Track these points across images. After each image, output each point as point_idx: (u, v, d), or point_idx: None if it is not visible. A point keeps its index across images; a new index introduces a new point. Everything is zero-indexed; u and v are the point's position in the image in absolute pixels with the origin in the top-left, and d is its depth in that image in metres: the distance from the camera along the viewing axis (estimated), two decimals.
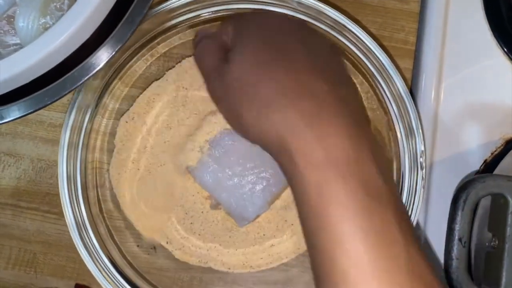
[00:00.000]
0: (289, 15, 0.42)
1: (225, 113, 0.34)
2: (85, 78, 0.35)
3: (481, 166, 0.46)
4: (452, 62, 0.47)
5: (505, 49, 0.46)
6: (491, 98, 0.46)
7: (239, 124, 0.32)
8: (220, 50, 0.35)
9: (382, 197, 0.28)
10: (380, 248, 0.27)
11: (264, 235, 0.45)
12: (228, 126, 0.38)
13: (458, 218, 0.36)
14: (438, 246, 0.43)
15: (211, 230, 0.45)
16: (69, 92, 0.35)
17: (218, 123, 0.44)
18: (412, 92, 0.48)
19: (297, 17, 0.42)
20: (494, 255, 0.37)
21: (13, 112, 0.34)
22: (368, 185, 0.28)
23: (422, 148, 0.42)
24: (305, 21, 0.41)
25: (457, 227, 0.36)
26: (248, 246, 0.45)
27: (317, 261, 0.29)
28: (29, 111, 0.34)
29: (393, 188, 0.30)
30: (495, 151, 0.46)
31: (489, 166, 0.45)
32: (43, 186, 0.46)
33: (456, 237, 0.36)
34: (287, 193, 0.45)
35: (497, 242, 0.36)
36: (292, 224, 0.45)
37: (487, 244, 0.38)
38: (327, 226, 0.28)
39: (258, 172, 0.42)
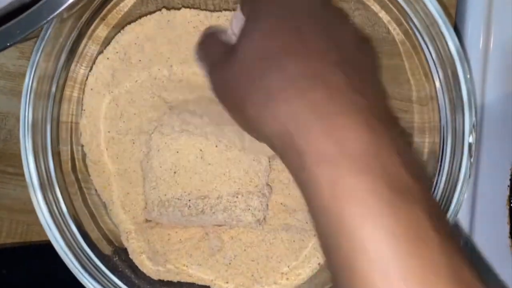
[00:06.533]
0: None
1: (231, 111, 0.31)
2: (65, 5, 0.29)
3: None
4: None
5: None
6: None
7: (244, 121, 0.30)
8: (223, 44, 0.32)
9: (410, 192, 0.25)
10: (412, 251, 0.24)
11: None
12: None
13: None
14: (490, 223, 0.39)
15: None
16: (45, 23, 0.29)
17: None
18: (456, 33, 0.39)
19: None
20: None
21: None
22: (391, 179, 0.25)
23: (472, 139, 0.34)
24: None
25: None
26: None
27: (335, 265, 0.26)
28: None
29: (424, 185, 0.26)
30: None
31: None
32: None
33: None
34: None
35: None
36: None
37: None
38: (345, 231, 0.25)
39: None
